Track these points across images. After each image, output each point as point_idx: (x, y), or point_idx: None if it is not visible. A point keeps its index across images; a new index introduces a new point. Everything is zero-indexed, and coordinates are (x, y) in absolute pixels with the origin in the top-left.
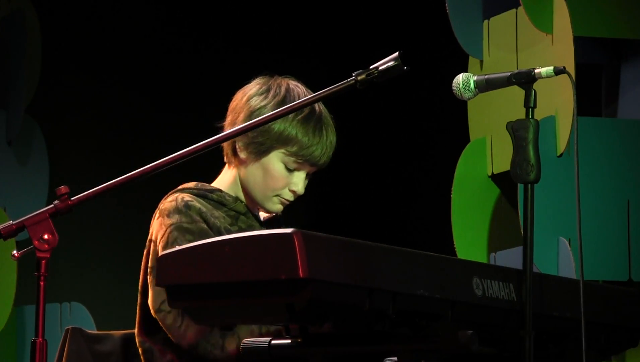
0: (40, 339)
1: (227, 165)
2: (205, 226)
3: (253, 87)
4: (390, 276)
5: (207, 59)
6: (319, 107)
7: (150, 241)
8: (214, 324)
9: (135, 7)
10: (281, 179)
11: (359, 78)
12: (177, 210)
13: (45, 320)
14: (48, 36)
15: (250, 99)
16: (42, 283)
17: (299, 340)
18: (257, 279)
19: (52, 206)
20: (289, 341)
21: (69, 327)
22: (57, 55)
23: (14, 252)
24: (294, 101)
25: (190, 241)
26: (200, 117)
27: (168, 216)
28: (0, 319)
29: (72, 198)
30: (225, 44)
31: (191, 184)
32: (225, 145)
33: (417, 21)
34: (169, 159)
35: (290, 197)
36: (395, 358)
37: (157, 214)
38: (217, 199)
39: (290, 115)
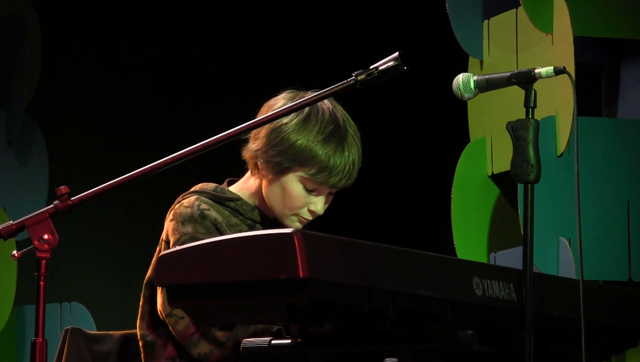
0: (40, 339)
1: (250, 174)
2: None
3: (279, 101)
4: (390, 276)
5: (207, 59)
6: (344, 123)
7: (164, 241)
8: (214, 324)
9: (135, 6)
10: (299, 199)
11: (359, 78)
12: (192, 218)
13: (45, 320)
14: (48, 36)
15: (289, 128)
16: (42, 283)
17: (299, 340)
18: (257, 279)
19: (52, 206)
20: (289, 341)
21: (69, 327)
22: (57, 55)
23: (14, 252)
24: (319, 118)
25: None
26: (201, 117)
27: (183, 223)
28: (0, 319)
29: (72, 198)
30: (226, 44)
31: (210, 186)
32: (247, 157)
33: (417, 21)
34: (169, 159)
35: (308, 216)
36: (395, 359)
37: (171, 215)
38: (234, 208)
39: (312, 134)
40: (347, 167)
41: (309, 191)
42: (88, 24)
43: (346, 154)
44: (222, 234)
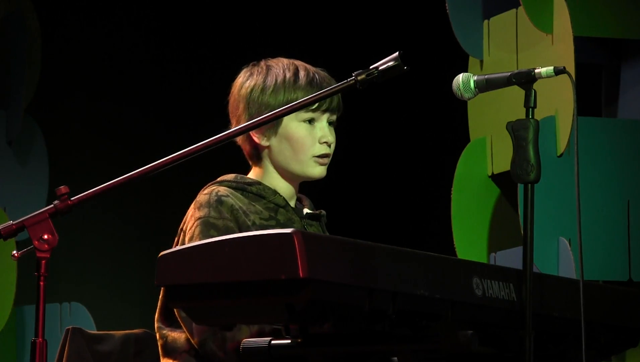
0: (40, 339)
1: (252, 166)
2: (231, 225)
3: (238, 79)
4: (390, 276)
5: (207, 59)
6: (305, 68)
7: (181, 229)
8: (214, 324)
9: (135, 7)
10: (307, 137)
11: (359, 78)
12: (208, 203)
13: (45, 320)
14: (48, 36)
15: (240, 89)
16: (42, 283)
17: (299, 340)
18: (257, 279)
19: (52, 206)
20: (289, 341)
21: (70, 327)
22: (57, 55)
23: (14, 252)
24: (279, 69)
25: (213, 237)
26: (201, 117)
27: (199, 208)
28: (0, 319)
29: (72, 198)
30: (225, 45)
31: (230, 176)
32: (242, 144)
33: (417, 21)
34: (169, 159)
35: (325, 149)
36: (395, 358)
37: (192, 205)
38: (257, 192)
39: (279, 88)
40: (321, 80)
41: (310, 125)
42: (88, 24)
43: (317, 78)
44: (238, 221)
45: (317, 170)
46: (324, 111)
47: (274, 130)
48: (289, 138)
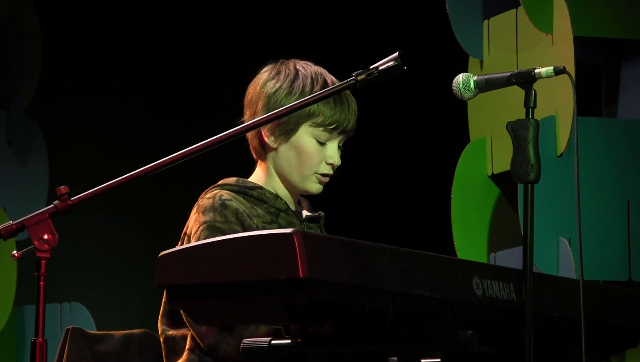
0: (40, 339)
1: (258, 162)
2: (238, 228)
3: (263, 74)
4: (390, 276)
5: (208, 59)
6: (332, 81)
7: (185, 234)
8: (214, 324)
9: (135, 7)
10: (315, 154)
11: (359, 78)
12: (212, 208)
13: (45, 320)
14: (48, 37)
15: (263, 86)
16: (42, 283)
17: (299, 340)
18: (257, 279)
19: (52, 206)
20: (289, 341)
21: (70, 327)
22: (57, 55)
23: (14, 252)
24: (307, 78)
25: None
26: (202, 117)
27: (203, 213)
28: (0, 319)
29: (72, 198)
30: (226, 45)
31: (232, 180)
32: (251, 139)
33: (417, 21)
34: (169, 159)
35: (328, 170)
36: (395, 358)
37: (195, 209)
38: (258, 196)
39: (306, 89)
40: (349, 111)
41: (322, 144)
42: (88, 24)
43: (344, 100)
44: (243, 225)
45: (315, 187)
46: (340, 133)
47: (286, 136)
48: (299, 149)
